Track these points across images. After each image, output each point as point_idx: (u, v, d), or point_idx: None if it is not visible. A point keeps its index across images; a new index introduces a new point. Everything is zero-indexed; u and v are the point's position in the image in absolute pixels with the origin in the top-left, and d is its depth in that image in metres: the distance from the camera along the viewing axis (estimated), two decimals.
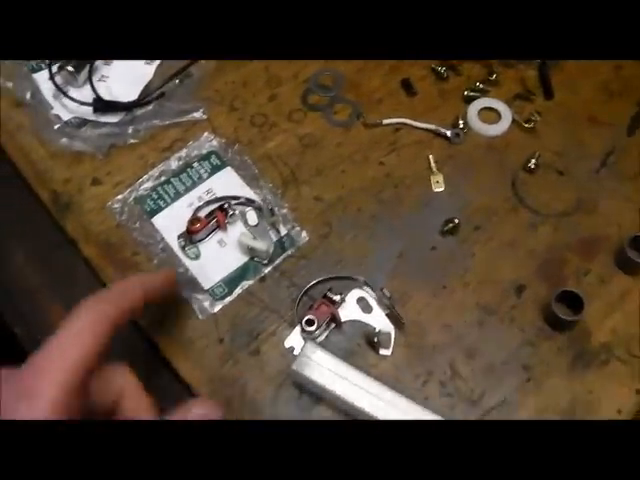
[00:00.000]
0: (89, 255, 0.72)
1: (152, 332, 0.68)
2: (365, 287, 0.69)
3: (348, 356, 0.66)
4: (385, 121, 0.77)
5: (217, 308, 0.69)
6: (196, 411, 0.54)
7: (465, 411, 0.64)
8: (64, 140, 0.77)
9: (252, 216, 0.72)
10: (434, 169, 0.74)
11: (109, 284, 0.70)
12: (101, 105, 0.77)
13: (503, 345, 0.67)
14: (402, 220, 0.73)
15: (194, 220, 0.71)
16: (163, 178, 0.75)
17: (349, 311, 0.68)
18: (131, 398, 0.56)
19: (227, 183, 0.74)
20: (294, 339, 0.67)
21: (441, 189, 0.74)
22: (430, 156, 0.75)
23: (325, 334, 0.68)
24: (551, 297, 0.67)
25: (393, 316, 0.67)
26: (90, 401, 0.52)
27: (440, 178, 0.74)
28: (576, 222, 0.72)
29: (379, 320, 0.68)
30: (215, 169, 0.75)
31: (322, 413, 0.65)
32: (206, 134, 0.77)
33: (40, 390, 0.49)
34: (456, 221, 0.71)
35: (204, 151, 0.76)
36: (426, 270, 0.70)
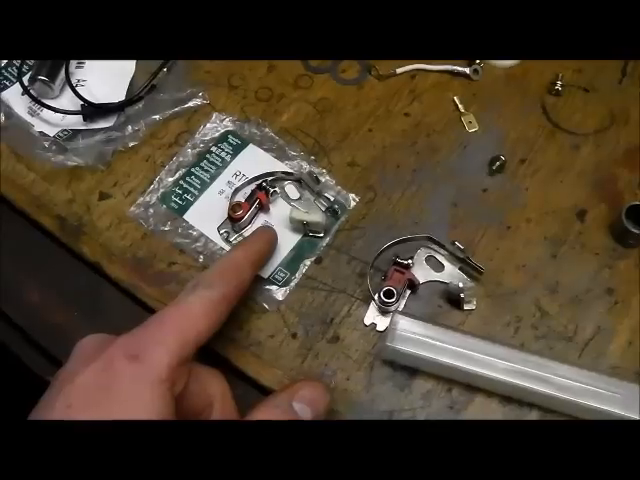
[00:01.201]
0: (117, 277, 0.64)
1: (212, 341, 0.61)
2: (432, 244, 0.64)
3: (432, 320, 0.61)
4: (399, 70, 0.71)
5: (283, 295, 0.62)
6: (304, 393, 0.50)
7: (564, 349, 0.61)
8: (56, 158, 0.68)
9: (292, 190, 0.66)
10: (462, 110, 0.69)
11: (149, 301, 0.63)
12: (90, 111, 0.69)
13: (581, 273, 0.63)
14: (445, 167, 0.67)
15: (235, 206, 0.64)
16: (183, 170, 0.68)
17: (421, 273, 0.63)
18: (222, 406, 0.51)
19: (254, 161, 0.68)
20: (372, 315, 0.62)
21: (475, 129, 0.69)
22: (455, 97, 0.70)
23: (403, 303, 0.62)
24: (614, 216, 0.63)
25: (468, 268, 0.63)
26: (184, 397, 0.48)
27: (472, 118, 0.69)
28: (615, 135, 0.69)
29: (454, 276, 0.63)
30: (237, 149, 0.68)
31: (422, 385, 0.60)
32: (215, 115, 0.70)
33: (153, 354, 0.45)
34: (502, 158, 0.66)
35: (218, 133, 0.69)
36: (484, 214, 0.65)
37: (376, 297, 0.61)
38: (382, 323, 0.61)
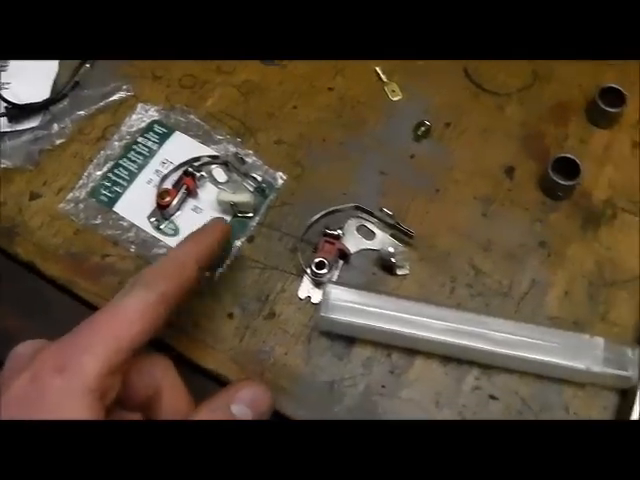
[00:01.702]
0: (53, 275, 0.62)
1: None
2: (361, 213, 0.63)
3: (367, 287, 0.60)
4: None
5: (216, 276, 0.61)
6: (243, 395, 0.47)
7: (501, 305, 0.60)
8: None
9: (220, 173, 0.64)
10: (385, 79, 0.68)
11: (86, 296, 0.61)
12: (15, 112, 0.67)
13: (513, 229, 0.62)
14: (372, 138, 0.67)
15: (162, 193, 0.63)
16: (111, 163, 0.66)
17: (352, 243, 0.62)
18: (171, 394, 0.48)
19: (181, 148, 0.66)
20: (306, 288, 0.60)
21: (399, 97, 0.68)
22: (377, 68, 0.69)
23: (336, 273, 0.61)
24: (542, 170, 0.63)
25: (399, 233, 0.62)
26: (126, 390, 0.45)
27: (395, 87, 0.68)
28: (539, 93, 0.68)
29: (385, 243, 0.62)
30: (163, 137, 0.67)
31: (361, 352, 0.59)
32: (140, 106, 0.69)
33: (80, 364, 0.42)
34: (427, 123, 0.66)
35: (144, 124, 0.68)
36: (413, 179, 0.65)
37: (308, 270, 0.60)
38: (316, 295, 0.60)
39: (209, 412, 0.46)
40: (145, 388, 0.48)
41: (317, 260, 0.59)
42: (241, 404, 0.46)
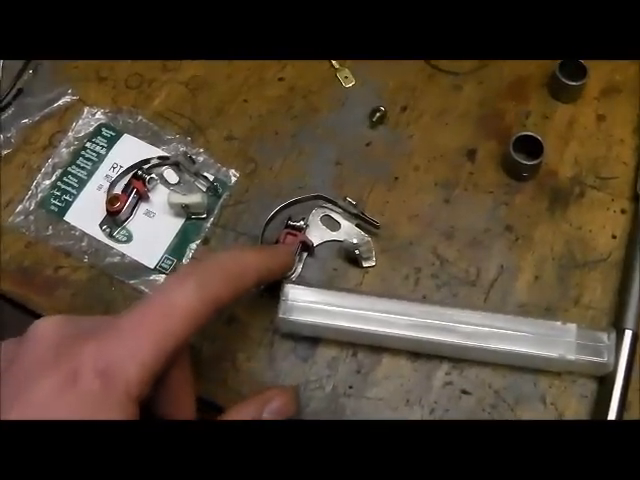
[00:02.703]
0: (4, 290, 0.57)
1: None
2: (325, 203, 0.58)
3: (329, 283, 0.56)
4: None
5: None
6: (275, 405, 0.44)
7: (469, 294, 0.55)
8: None
9: (171, 174, 0.59)
10: (337, 66, 0.63)
11: (41, 312, 0.56)
12: None
13: (477, 213, 0.58)
14: (325, 127, 0.62)
15: (112, 199, 0.58)
16: (59, 171, 0.61)
17: (316, 234, 0.57)
18: (179, 392, 0.43)
19: (130, 151, 0.61)
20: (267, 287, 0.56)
21: (352, 83, 0.63)
22: None
23: (300, 267, 0.57)
24: (505, 150, 0.58)
25: (364, 223, 0.57)
26: None
27: (347, 73, 0.63)
28: (497, 70, 0.63)
29: (350, 233, 0.57)
30: (111, 141, 0.62)
31: (326, 353, 0.54)
32: (86, 110, 0.63)
33: (124, 370, 0.37)
34: (382, 109, 0.61)
35: (91, 128, 0.63)
36: (370, 168, 0.60)
37: None
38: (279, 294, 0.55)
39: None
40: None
41: None
42: (272, 412, 0.43)
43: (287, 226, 0.56)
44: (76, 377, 0.36)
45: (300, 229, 0.56)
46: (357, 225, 0.57)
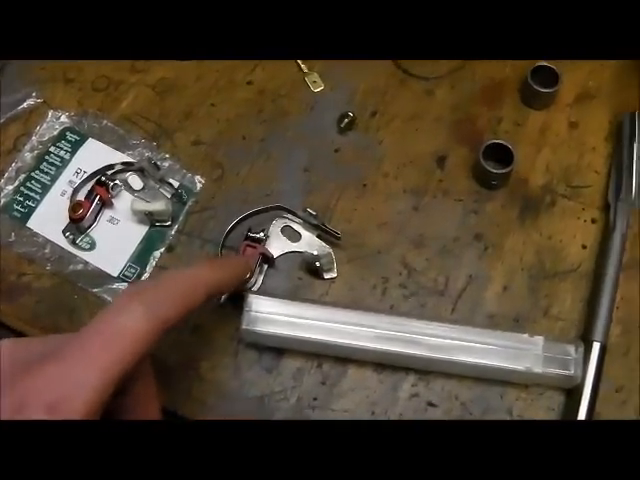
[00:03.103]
0: None
1: None
2: (285, 214, 0.57)
3: (294, 293, 0.55)
4: None
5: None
6: None
7: (437, 304, 0.54)
8: None
9: (135, 180, 0.58)
10: (306, 70, 0.62)
11: (3, 318, 0.55)
12: None
13: (447, 222, 0.57)
14: (294, 132, 0.60)
15: (75, 206, 0.57)
16: (23, 176, 0.60)
17: (277, 245, 0.56)
18: (143, 403, 0.42)
19: (95, 155, 0.60)
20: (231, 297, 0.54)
21: (321, 87, 0.61)
22: None
23: (261, 278, 0.55)
24: (475, 158, 0.57)
25: (325, 234, 0.56)
26: None
27: (316, 77, 0.61)
28: (470, 74, 0.62)
29: (311, 244, 0.56)
30: (76, 145, 0.60)
31: (291, 364, 0.53)
32: (51, 113, 0.62)
33: (72, 402, 0.35)
34: (350, 114, 0.59)
35: (55, 132, 0.61)
36: (339, 174, 0.58)
37: None
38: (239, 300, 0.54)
39: None
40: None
41: None
42: None
43: (247, 237, 0.55)
44: (24, 409, 0.35)
45: (260, 241, 0.55)
46: (318, 236, 0.56)
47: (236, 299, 0.53)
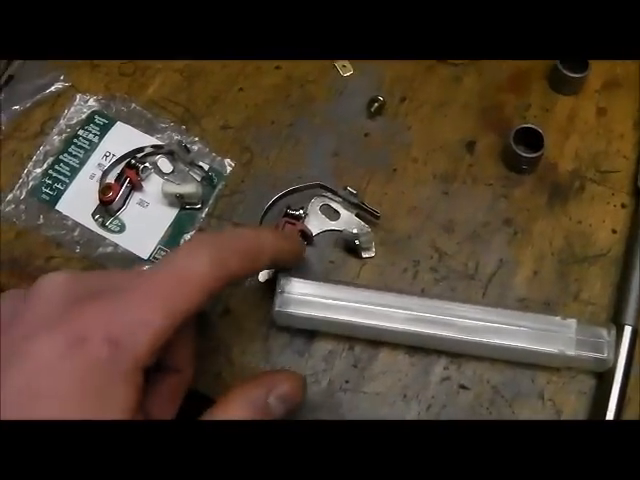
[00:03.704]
0: None
1: None
2: (324, 192, 0.56)
3: (325, 276, 0.54)
4: None
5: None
6: (283, 389, 0.41)
7: (467, 288, 0.54)
8: None
9: (165, 163, 0.58)
10: None
11: None
12: None
13: (476, 207, 0.57)
14: (323, 117, 0.60)
15: (105, 189, 0.57)
16: (51, 159, 0.59)
17: (315, 224, 0.56)
18: (182, 351, 0.43)
19: (123, 139, 0.59)
20: (267, 272, 0.54)
21: (350, 72, 0.61)
22: None
23: None
24: (505, 143, 0.57)
25: (364, 213, 0.56)
26: None
27: (346, 62, 0.61)
28: (497, 61, 0.61)
29: (350, 223, 0.56)
30: (104, 129, 0.60)
31: (323, 346, 0.53)
32: (79, 97, 0.61)
33: (135, 339, 0.35)
34: (380, 99, 0.59)
35: (84, 115, 0.61)
36: (368, 159, 0.58)
37: None
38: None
39: (248, 403, 0.40)
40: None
41: None
42: (278, 398, 0.41)
43: (286, 214, 0.55)
44: (84, 342, 0.35)
45: (299, 218, 0.55)
46: (357, 215, 0.56)
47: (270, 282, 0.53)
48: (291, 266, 0.51)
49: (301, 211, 0.55)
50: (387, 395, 0.52)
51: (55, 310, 0.36)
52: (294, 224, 0.54)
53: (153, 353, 0.36)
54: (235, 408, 0.39)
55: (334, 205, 0.57)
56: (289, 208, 0.55)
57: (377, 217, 0.55)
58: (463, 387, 0.52)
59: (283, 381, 0.41)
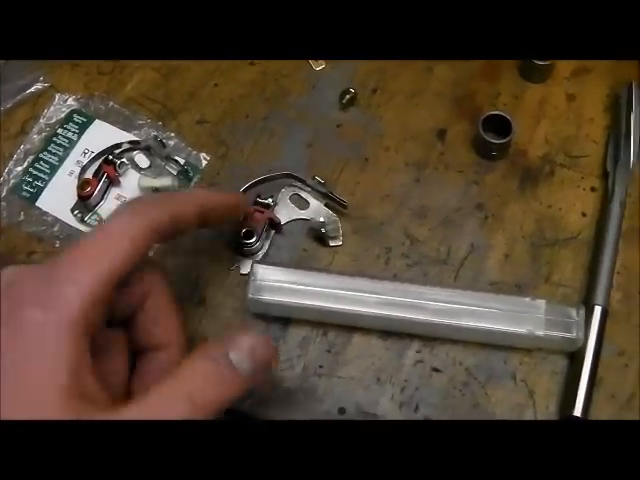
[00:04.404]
0: None
1: None
2: (294, 182, 0.57)
3: (299, 264, 0.55)
4: None
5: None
6: (243, 343, 0.41)
7: (439, 273, 0.55)
8: None
9: (142, 158, 0.59)
10: None
11: None
12: None
13: (448, 193, 0.57)
14: (297, 110, 0.61)
15: (83, 184, 0.58)
16: (31, 157, 0.61)
17: (285, 213, 0.57)
18: (156, 301, 0.44)
19: (102, 136, 0.61)
20: (236, 258, 0.56)
21: (322, 66, 0.62)
22: None
23: (267, 244, 0.56)
24: (475, 131, 0.57)
25: (333, 202, 0.57)
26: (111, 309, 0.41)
27: None
28: None
29: (318, 212, 0.57)
30: (83, 127, 0.61)
31: (297, 332, 0.54)
32: (58, 96, 0.63)
33: (62, 296, 0.37)
34: (352, 91, 0.60)
35: (63, 114, 0.62)
36: (341, 149, 0.59)
37: (239, 238, 0.55)
38: (245, 266, 0.55)
39: (206, 360, 0.40)
40: (130, 305, 0.44)
41: (245, 229, 0.54)
42: (240, 352, 0.41)
43: (255, 203, 0.56)
44: (16, 309, 0.37)
45: (268, 206, 0.56)
46: (326, 205, 0.57)
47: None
48: (230, 221, 0.53)
49: (270, 200, 0.56)
50: (361, 379, 0.52)
51: (4, 291, 0.39)
52: (262, 212, 0.55)
53: (87, 308, 0.37)
54: (197, 365, 0.40)
55: (304, 195, 0.57)
56: (259, 197, 0.56)
57: (345, 206, 0.56)
58: (436, 370, 0.52)
59: (244, 338, 0.41)
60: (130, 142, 0.60)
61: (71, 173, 0.60)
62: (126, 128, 0.61)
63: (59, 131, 0.61)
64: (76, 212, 0.58)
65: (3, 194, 0.59)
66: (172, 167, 0.59)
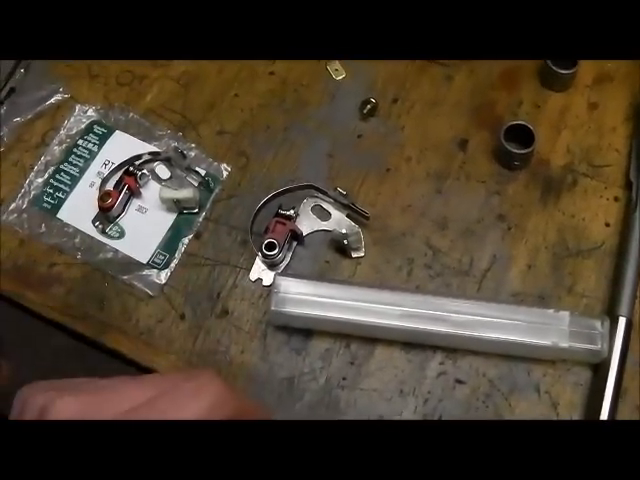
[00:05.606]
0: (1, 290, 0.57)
1: (98, 334, 0.55)
2: (316, 193, 0.58)
3: (321, 275, 0.55)
4: None
5: (165, 277, 0.56)
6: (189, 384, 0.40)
7: (462, 284, 0.55)
8: None
9: (163, 169, 0.59)
10: None
11: (36, 309, 0.56)
12: None
13: (470, 203, 0.57)
14: (317, 120, 0.61)
15: (104, 196, 0.58)
16: (52, 169, 0.61)
17: (307, 224, 0.57)
18: None
19: (122, 147, 0.61)
20: (257, 270, 0.56)
21: (343, 76, 0.62)
22: None
23: (289, 255, 0.56)
24: (497, 140, 0.57)
25: (355, 214, 0.57)
26: None
27: (337, 65, 0.62)
28: (488, 60, 0.62)
29: (340, 223, 0.57)
30: (103, 138, 0.62)
31: (320, 345, 0.54)
32: (78, 107, 0.63)
33: None
34: (373, 101, 0.60)
35: (83, 125, 0.62)
36: (362, 160, 0.59)
37: (261, 250, 0.55)
38: (268, 278, 0.56)
39: None
40: None
41: (267, 241, 0.55)
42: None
43: (277, 214, 0.56)
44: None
45: (290, 218, 0.56)
46: (347, 216, 0.57)
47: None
48: None
49: (292, 211, 0.56)
50: (384, 391, 0.52)
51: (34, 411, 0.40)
52: (284, 224, 0.55)
53: None
54: None
55: (325, 206, 0.58)
56: (280, 208, 0.56)
57: (367, 217, 0.56)
58: (459, 381, 0.52)
59: None
60: (151, 153, 0.60)
61: (92, 184, 0.60)
62: (146, 139, 0.61)
63: (79, 142, 0.62)
64: (97, 224, 0.59)
65: (24, 206, 0.60)
66: (193, 178, 0.59)
